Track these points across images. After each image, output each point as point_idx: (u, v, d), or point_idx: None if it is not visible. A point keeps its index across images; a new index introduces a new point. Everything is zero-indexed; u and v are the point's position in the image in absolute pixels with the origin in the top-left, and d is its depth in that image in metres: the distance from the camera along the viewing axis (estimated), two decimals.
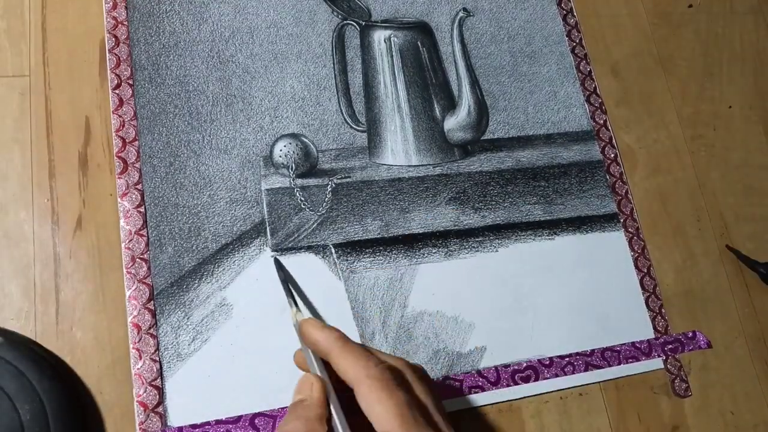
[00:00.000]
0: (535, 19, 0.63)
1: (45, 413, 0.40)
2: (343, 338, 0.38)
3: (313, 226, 0.52)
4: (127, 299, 0.47)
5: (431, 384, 0.39)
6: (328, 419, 0.36)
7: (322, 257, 0.51)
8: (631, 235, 0.58)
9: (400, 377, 0.37)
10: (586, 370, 0.52)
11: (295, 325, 0.41)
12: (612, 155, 0.60)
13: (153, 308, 0.47)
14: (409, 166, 0.55)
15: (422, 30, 0.58)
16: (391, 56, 0.57)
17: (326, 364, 0.39)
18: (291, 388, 0.47)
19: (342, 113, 0.55)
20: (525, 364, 0.51)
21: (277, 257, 0.47)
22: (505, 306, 0.53)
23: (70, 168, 0.49)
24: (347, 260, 0.51)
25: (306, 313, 0.41)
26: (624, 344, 0.54)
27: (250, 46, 0.55)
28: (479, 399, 0.50)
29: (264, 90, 0.54)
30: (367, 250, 0.52)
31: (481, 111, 0.58)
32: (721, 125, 0.65)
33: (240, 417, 0.45)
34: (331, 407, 0.36)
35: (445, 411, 0.38)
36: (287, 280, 0.43)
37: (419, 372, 0.39)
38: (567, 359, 0.52)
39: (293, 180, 0.53)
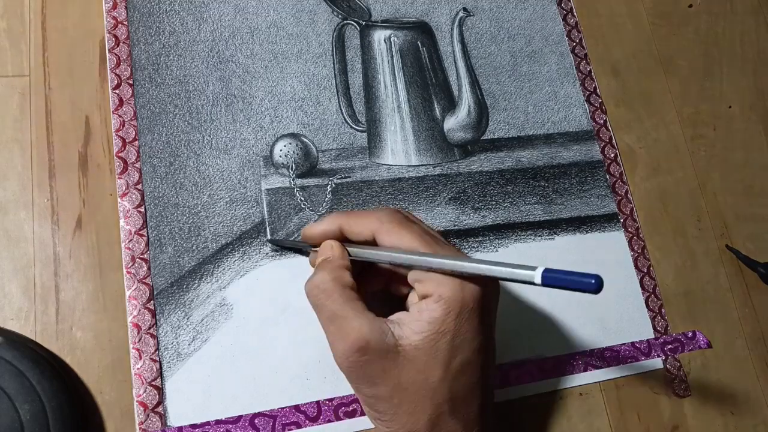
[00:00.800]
0: (535, 19, 0.63)
1: (45, 413, 0.41)
2: (343, 212, 0.44)
3: None
4: (127, 299, 0.47)
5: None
6: (351, 271, 0.41)
7: None
8: (631, 235, 0.58)
9: (408, 216, 0.42)
10: (585, 370, 0.52)
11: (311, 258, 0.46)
12: (612, 155, 0.60)
13: (153, 308, 0.47)
14: (409, 166, 0.55)
15: (422, 30, 0.59)
16: (391, 56, 0.57)
17: None
18: (291, 388, 0.47)
19: (342, 113, 0.55)
20: (525, 365, 0.51)
21: (268, 240, 0.50)
22: (504, 306, 0.53)
23: (70, 168, 0.49)
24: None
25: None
26: (624, 344, 0.54)
27: (250, 46, 0.55)
28: None
29: (264, 90, 0.54)
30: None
31: (481, 111, 0.58)
32: (722, 125, 0.65)
33: (240, 417, 0.45)
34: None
35: None
36: (285, 245, 0.48)
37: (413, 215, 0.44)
38: (567, 359, 0.52)
39: (293, 180, 0.53)
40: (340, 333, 0.37)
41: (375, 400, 0.37)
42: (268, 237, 0.50)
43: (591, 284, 0.32)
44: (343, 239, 0.42)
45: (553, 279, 0.33)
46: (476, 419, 0.38)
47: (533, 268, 0.33)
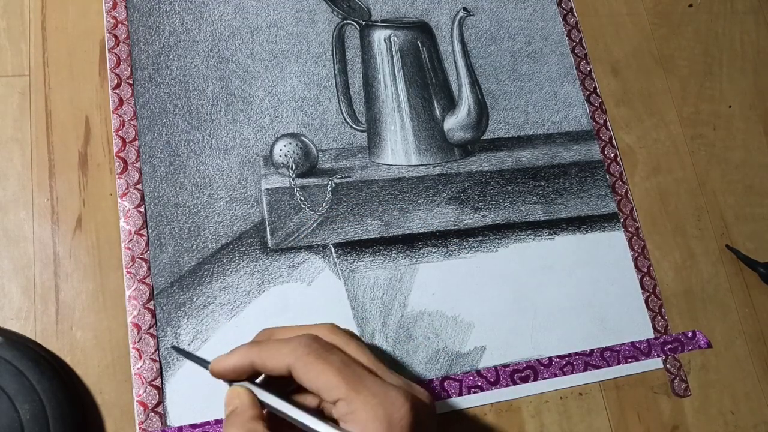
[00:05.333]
0: (536, 19, 0.63)
1: (45, 413, 0.41)
2: (253, 342, 0.38)
3: (313, 225, 0.52)
4: (127, 299, 0.47)
5: (362, 342, 0.40)
6: (264, 420, 0.36)
7: (322, 257, 0.51)
8: (630, 234, 0.58)
9: (328, 345, 0.37)
10: (585, 370, 0.52)
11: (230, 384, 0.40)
12: (612, 155, 0.60)
13: (153, 308, 0.47)
14: (409, 165, 0.55)
15: (422, 30, 0.58)
16: (391, 56, 0.57)
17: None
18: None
19: (342, 113, 0.55)
20: (524, 364, 0.51)
21: (173, 347, 0.46)
22: (504, 306, 0.53)
23: (70, 168, 0.49)
24: (347, 260, 0.51)
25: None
26: (623, 344, 0.54)
27: (250, 46, 0.55)
28: (479, 399, 0.50)
29: (264, 90, 0.54)
30: (367, 250, 0.52)
31: (481, 110, 0.58)
32: (722, 125, 0.65)
33: None
34: (262, 398, 0.37)
35: (384, 363, 0.38)
36: (190, 356, 0.43)
37: (348, 334, 0.40)
38: (566, 359, 0.52)
39: (293, 180, 0.53)
40: None
41: None
42: (172, 344, 0.46)
43: None
44: (258, 374, 0.38)
45: None
46: None
47: None
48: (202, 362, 0.41)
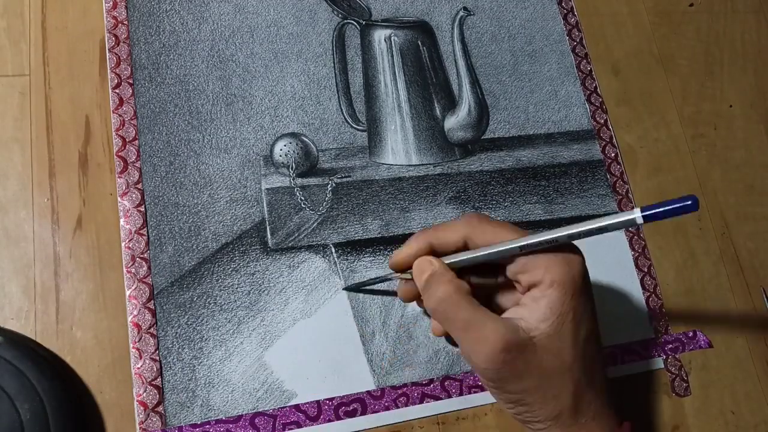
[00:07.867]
0: (536, 18, 0.63)
1: (45, 413, 0.41)
2: (425, 229, 0.43)
3: (314, 225, 0.52)
4: (127, 299, 0.47)
5: None
6: None
7: (323, 257, 0.51)
8: (631, 234, 0.58)
9: (492, 218, 0.43)
10: None
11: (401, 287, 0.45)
12: (613, 154, 0.60)
13: (153, 308, 0.47)
14: (410, 165, 0.55)
15: (422, 29, 0.58)
16: (392, 55, 0.56)
17: None
18: (291, 388, 0.47)
19: (342, 112, 0.55)
20: None
21: (344, 288, 0.50)
22: None
23: (70, 167, 0.49)
24: (347, 260, 0.51)
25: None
26: (624, 344, 0.54)
27: (250, 46, 0.55)
28: (479, 399, 0.50)
29: (264, 89, 0.54)
30: (367, 250, 0.52)
31: (482, 110, 0.58)
32: (723, 124, 0.65)
33: (240, 417, 0.46)
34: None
35: None
36: (364, 286, 0.50)
37: None
38: None
39: (293, 179, 0.52)
40: (480, 338, 0.37)
41: (524, 394, 0.38)
42: (344, 285, 0.50)
43: (689, 206, 0.34)
44: (429, 254, 0.43)
45: (653, 215, 0.35)
46: (603, 381, 0.40)
47: (630, 213, 0.36)
48: (380, 279, 0.49)
